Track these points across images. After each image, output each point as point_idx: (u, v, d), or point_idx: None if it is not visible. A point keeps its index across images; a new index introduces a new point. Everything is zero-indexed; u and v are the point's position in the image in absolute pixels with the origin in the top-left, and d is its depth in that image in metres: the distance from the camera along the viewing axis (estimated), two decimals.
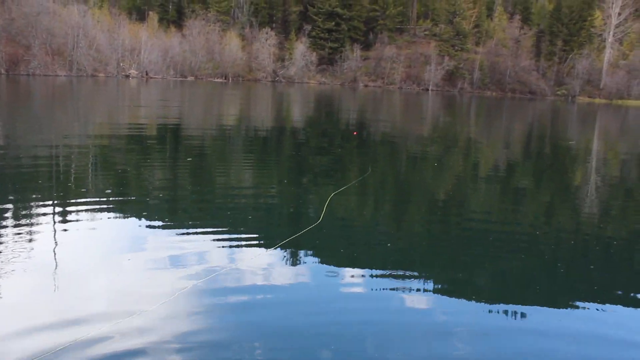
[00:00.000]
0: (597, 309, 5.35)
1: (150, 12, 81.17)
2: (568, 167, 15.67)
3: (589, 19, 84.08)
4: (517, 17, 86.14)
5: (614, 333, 4.87)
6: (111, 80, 56.36)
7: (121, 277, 5.43)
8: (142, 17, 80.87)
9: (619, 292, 5.98)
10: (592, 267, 6.76)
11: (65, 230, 6.73)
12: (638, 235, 8.51)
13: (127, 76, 63.43)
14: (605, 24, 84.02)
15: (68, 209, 7.69)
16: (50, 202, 7.99)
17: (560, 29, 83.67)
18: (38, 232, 6.56)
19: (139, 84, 53.44)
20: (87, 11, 64.80)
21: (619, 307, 5.51)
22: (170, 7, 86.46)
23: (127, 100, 33.19)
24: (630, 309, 5.51)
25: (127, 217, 7.60)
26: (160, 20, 79.47)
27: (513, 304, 5.40)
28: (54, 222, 6.97)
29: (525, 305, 5.37)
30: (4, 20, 57.23)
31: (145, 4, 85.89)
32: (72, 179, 9.91)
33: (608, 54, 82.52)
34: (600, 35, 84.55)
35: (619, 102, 76.56)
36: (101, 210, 7.74)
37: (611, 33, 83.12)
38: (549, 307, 5.35)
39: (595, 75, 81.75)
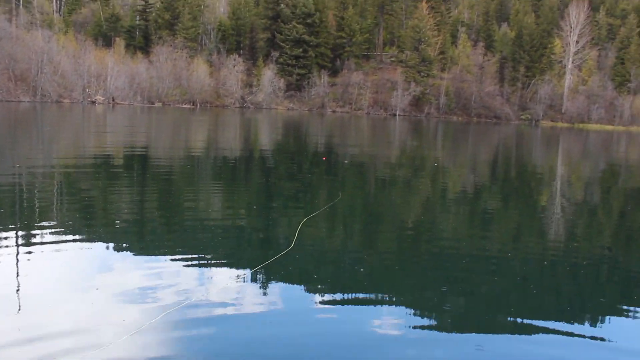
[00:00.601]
0: (569, 329, 5.40)
1: (117, 38, 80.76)
2: (534, 189, 15.96)
3: (549, 46, 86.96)
4: (481, 44, 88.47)
5: (585, 351, 4.91)
6: (77, 106, 55.56)
7: (89, 307, 5.27)
8: (108, 43, 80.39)
9: (589, 311, 6.06)
10: (562, 286, 6.86)
11: (28, 259, 6.53)
12: (605, 254, 8.68)
13: (93, 102, 62.64)
14: (564, 51, 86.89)
15: (32, 237, 7.48)
16: (13, 231, 7.75)
17: (522, 55, 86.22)
18: (0, 261, 6.34)
19: (105, 110, 52.83)
20: (52, 37, 64.09)
21: (590, 325, 5.57)
22: (137, 33, 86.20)
23: (93, 127, 32.74)
24: (600, 327, 5.57)
25: (94, 246, 7.42)
26: (127, 46, 79.05)
27: (484, 324, 5.43)
28: (17, 252, 6.76)
29: (497, 326, 5.40)
30: None
31: (112, 30, 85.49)
32: (36, 206, 9.66)
33: (568, 80, 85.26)
34: (560, 62, 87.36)
35: (580, 125, 78.94)
36: (67, 239, 7.54)
37: (570, 60, 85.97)
38: (521, 327, 5.38)
39: (557, 100, 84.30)
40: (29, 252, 6.80)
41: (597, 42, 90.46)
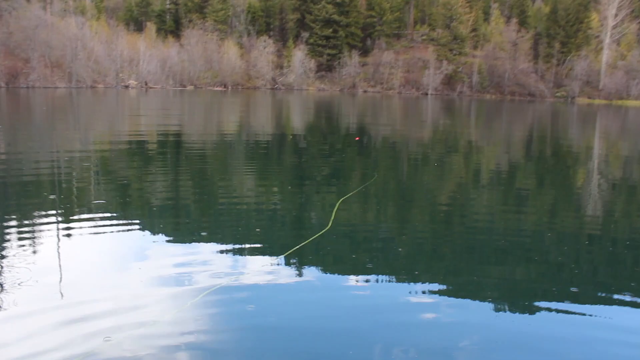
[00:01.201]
0: (606, 312, 5.27)
1: (148, 23, 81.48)
2: (571, 169, 15.63)
3: (586, 20, 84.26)
4: (514, 20, 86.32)
5: (624, 336, 4.81)
6: (110, 91, 56.43)
7: (130, 288, 5.38)
8: (139, 28, 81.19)
9: (628, 294, 5.92)
10: (600, 269, 6.72)
11: (70, 242, 6.69)
12: None
13: (127, 87, 63.54)
14: (602, 25, 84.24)
15: (72, 220, 7.65)
16: (54, 214, 7.94)
17: (557, 31, 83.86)
18: (42, 244, 6.51)
19: (139, 94, 53.51)
20: (85, 23, 65.01)
21: (629, 309, 5.42)
22: (168, 17, 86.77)
23: (128, 110, 33.22)
24: None
25: (132, 228, 7.53)
26: (158, 30, 79.76)
27: (521, 307, 5.35)
28: (58, 234, 6.92)
29: (533, 309, 5.32)
30: (2, 34, 57.56)
31: (143, 14, 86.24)
32: (75, 190, 9.87)
33: (606, 55, 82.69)
34: (598, 36, 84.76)
35: (619, 102, 76.67)
36: (105, 222, 7.69)
37: (608, 34, 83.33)
38: (557, 311, 5.27)
39: (594, 76, 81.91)
40: (69, 235, 6.96)
41: (637, 15, 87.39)
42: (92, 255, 6.34)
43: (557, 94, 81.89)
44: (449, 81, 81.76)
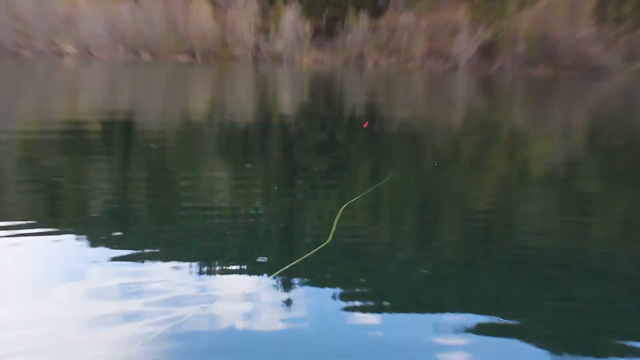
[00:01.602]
0: None
1: None
2: None
3: None
4: None
5: None
6: (40, 59, 56.40)
7: (58, 323, 5.29)
8: None
9: None
10: None
11: None
12: None
13: (62, 54, 63.50)
14: None
15: None
16: None
17: None
18: None
19: (78, 64, 53.51)
20: None
21: None
22: None
23: (63, 86, 33.20)
24: None
25: (63, 241, 7.43)
26: None
27: (589, 352, 5.29)
28: None
29: (604, 353, 5.26)
30: None
31: None
32: None
33: None
34: None
35: None
36: (26, 230, 7.62)
37: None
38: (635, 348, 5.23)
39: None
40: None
41: None
42: (5, 277, 6.24)
43: (630, 69, 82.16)
44: (486, 52, 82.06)
